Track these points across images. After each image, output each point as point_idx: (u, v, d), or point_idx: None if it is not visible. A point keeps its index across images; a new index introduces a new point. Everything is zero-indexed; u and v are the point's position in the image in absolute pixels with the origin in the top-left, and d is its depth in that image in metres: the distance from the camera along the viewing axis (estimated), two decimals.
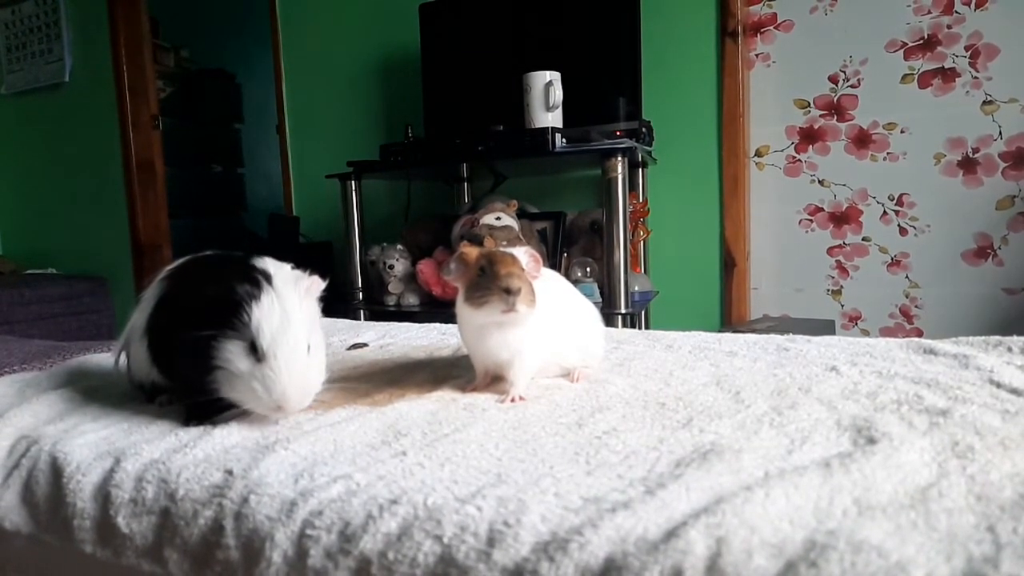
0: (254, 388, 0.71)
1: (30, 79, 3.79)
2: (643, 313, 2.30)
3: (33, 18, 3.74)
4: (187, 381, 0.75)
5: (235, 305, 0.71)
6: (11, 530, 0.71)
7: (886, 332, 2.22)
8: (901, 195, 2.17)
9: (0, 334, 2.28)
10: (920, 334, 2.15)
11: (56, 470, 0.70)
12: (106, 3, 3.48)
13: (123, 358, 0.90)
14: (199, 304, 0.72)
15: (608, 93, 2.22)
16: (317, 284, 0.79)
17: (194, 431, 0.74)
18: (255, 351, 0.71)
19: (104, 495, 0.66)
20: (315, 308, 0.79)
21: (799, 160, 2.28)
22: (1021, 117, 2.01)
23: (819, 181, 2.27)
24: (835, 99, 2.22)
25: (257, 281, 0.73)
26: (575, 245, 2.29)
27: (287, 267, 0.78)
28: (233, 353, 0.71)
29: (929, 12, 2.08)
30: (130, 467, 0.67)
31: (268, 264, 0.77)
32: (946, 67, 2.08)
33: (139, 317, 0.85)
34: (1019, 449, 0.57)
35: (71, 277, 3.65)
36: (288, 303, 0.73)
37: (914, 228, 2.17)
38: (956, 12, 2.05)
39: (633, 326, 2.03)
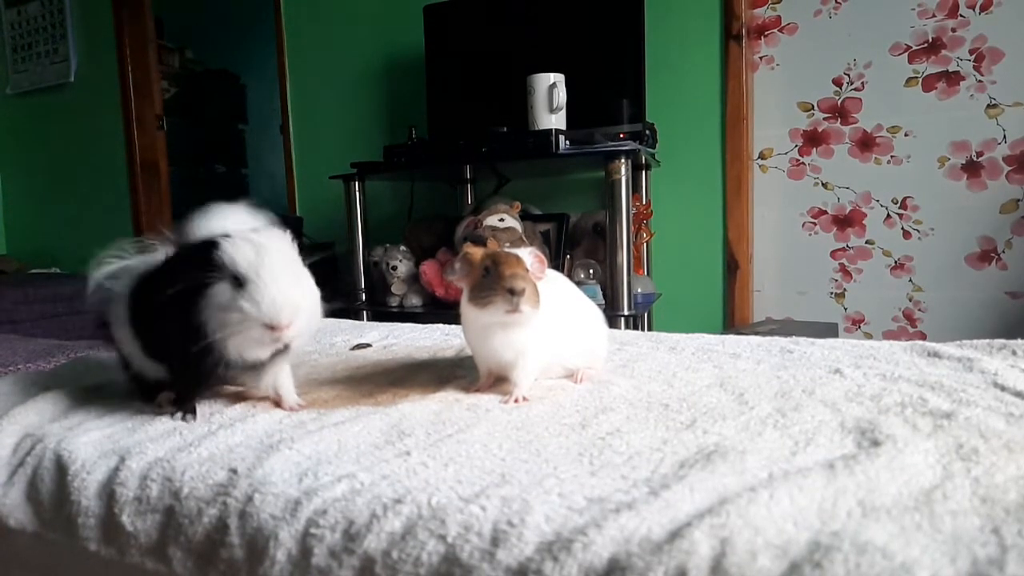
0: (243, 308, 0.70)
1: (35, 79, 3.81)
2: (646, 315, 2.30)
3: (39, 18, 3.76)
4: (179, 350, 0.75)
5: (207, 256, 0.71)
6: (16, 528, 0.71)
7: (889, 335, 2.22)
8: (905, 198, 2.17)
9: (4, 333, 2.28)
10: (923, 338, 2.15)
11: (61, 468, 0.70)
12: (111, 4, 3.49)
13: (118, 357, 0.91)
14: (172, 271, 0.74)
15: (612, 95, 2.22)
16: (285, 233, 0.79)
17: (198, 429, 0.74)
18: (238, 283, 0.71)
19: (108, 493, 0.66)
20: (294, 252, 0.78)
21: (803, 163, 2.28)
22: None
23: (823, 184, 2.27)
24: (839, 102, 2.22)
25: (219, 239, 0.74)
26: (578, 247, 2.29)
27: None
28: (215, 295, 0.71)
29: (933, 15, 2.08)
30: (135, 465, 0.67)
31: (220, 227, 0.78)
32: (950, 70, 2.08)
33: (120, 308, 0.85)
34: None
35: (75, 276, 3.66)
36: (259, 239, 0.74)
37: (918, 231, 2.16)
38: (961, 15, 2.05)
39: (636, 328, 2.03)
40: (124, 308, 0.83)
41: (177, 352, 0.77)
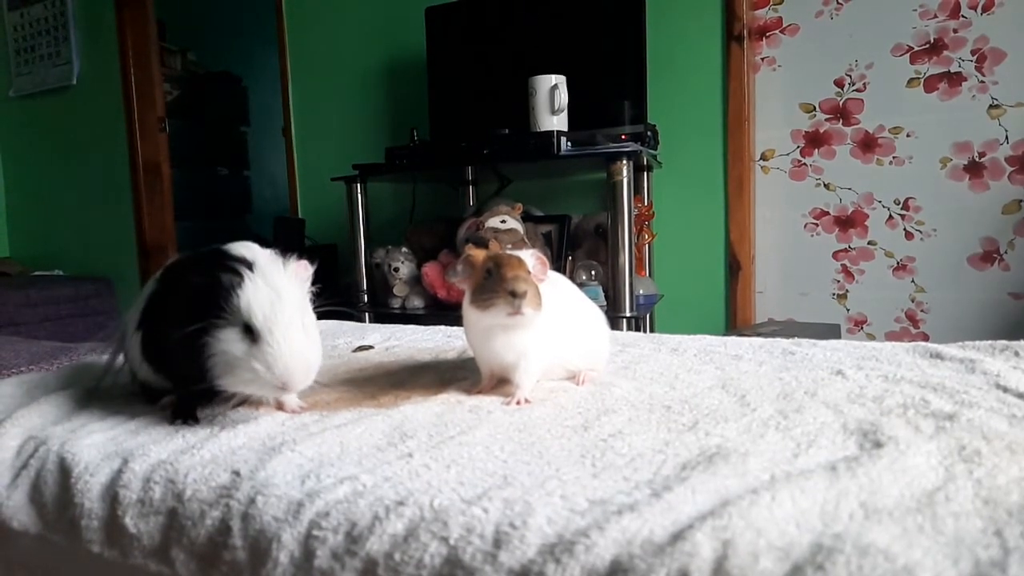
0: (255, 369, 0.70)
1: (38, 82, 3.82)
2: (648, 316, 2.30)
3: (41, 21, 3.77)
4: (183, 377, 0.75)
5: (222, 292, 0.70)
6: (19, 530, 0.71)
7: (892, 336, 2.21)
8: (907, 199, 2.17)
9: (7, 335, 2.29)
10: (926, 339, 2.15)
11: (64, 470, 0.71)
12: (114, 6, 3.50)
13: (122, 358, 0.91)
14: (184, 299, 0.72)
15: (613, 96, 2.22)
16: (304, 267, 0.79)
17: (201, 432, 0.74)
18: (249, 333, 0.70)
19: (112, 495, 0.66)
20: (304, 291, 0.78)
21: (804, 164, 2.28)
22: None
23: (824, 185, 2.26)
24: (841, 103, 2.22)
25: (238, 267, 0.73)
26: (580, 248, 2.29)
27: (266, 251, 0.78)
28: (227, 340, 0.70)
29: (935, 16, 2.08)
30: (138, 468, 0.67)
31: (244, 250, 0.77)
32: (952, 71, 2.08)
33: (132, 317, 0.85)
34: None
35: (77, 279, 3.67)
36: (275, 282, 0.73)
37: (920, 232, 2.16)
38: (962, 16, 2.05)
39: (638, 329, 2.03)
40: (137, 315, 0.84)
41: (179, 375, 0.77)
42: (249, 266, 0.73)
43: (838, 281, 2.28)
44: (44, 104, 3.84)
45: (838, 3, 2.19)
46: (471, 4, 2.46)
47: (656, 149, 2.26)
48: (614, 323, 1.85)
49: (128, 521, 0.64)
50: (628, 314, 1.92)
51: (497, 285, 0.78)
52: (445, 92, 2.52)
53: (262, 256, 0.76)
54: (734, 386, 0.84)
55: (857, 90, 2.19)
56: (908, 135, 2.14)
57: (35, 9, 3.78)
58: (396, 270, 2.29)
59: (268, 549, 0.56)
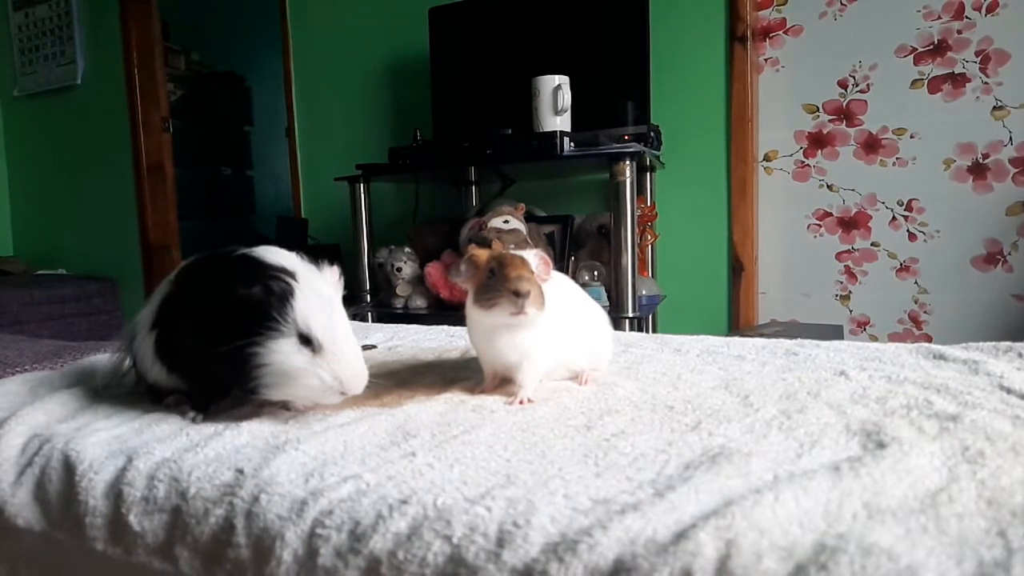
0: (321, 378, 0.71)
1: (42, 81, 3.83)
2: (650, 317, 2.30)
3: (46, 21, 3.78)
4: (201, 380, 0.76)
5: (274, 303, 0.70)
6: (23, 527, 0.71)
7: (895, 338, 2.21)
8: (910, 200, 2.16)
9: (11, 334, 2.29)
10: (929, 340, 2.14)
11: (68, 468, 0.71)
12: (118, 6, 3.51)
13: (130, 360, 0.91)
14: (230, 309, 0.71)
15: (617, 97, 2.22)
16: (336, 273, 0.80)
17: (205, 430, 0.75)
18: (307, 343, 0.71)
19: (116, 493, 0.66)
20: (340, 296, 0.79)
21: (808, 165, 2.28)
22: None
23: (828, 186, 2.26)
24: (844, 104, 2.22)
25: (284, 277, 0.73)
26: (583, 249, 2.29)
27: (296, 257, 0.78)
28: (283, 352, 0.71)
29: (939, 17, 2.08)
30: (142, 465, 0.67)
31: (279, 258, 0.76)
32: (956, 72, 2.07)
33: (144, 318, 0.85)
34: None
35: (81, 278, 3.67)
36: (322, 290, 0.74)
37: (923, 233, 2.16)
38: (966, 17, 2.05)
39: (640, 330, 2.03)
40: (150, 316, 0.84)
41: (198, 379, 0.78)
42: (292, 275, 0.73)
43: (841, 282, 2.27)
44: (48, 104, 3.85)
45: (842, 4, 2.19)
46: (474, 4, 2.47)
47: (659, 150, 2.26)
48: (617, 324, 1.84)
49: (132, 519, 0.64)
50: (631, 315, 1.92)
51: (500, 285, 0.78)
52: (448, 92, 2.52)
53: (299, 263, 0.77)
54: (737, 386, 0.84)
55: (861, 91, 2.19)
56: (912, 136, 2.14)
57: (39, 9, 3.79)
58: (399, 270, 2.29)
59: (272, 547, 0.56)
